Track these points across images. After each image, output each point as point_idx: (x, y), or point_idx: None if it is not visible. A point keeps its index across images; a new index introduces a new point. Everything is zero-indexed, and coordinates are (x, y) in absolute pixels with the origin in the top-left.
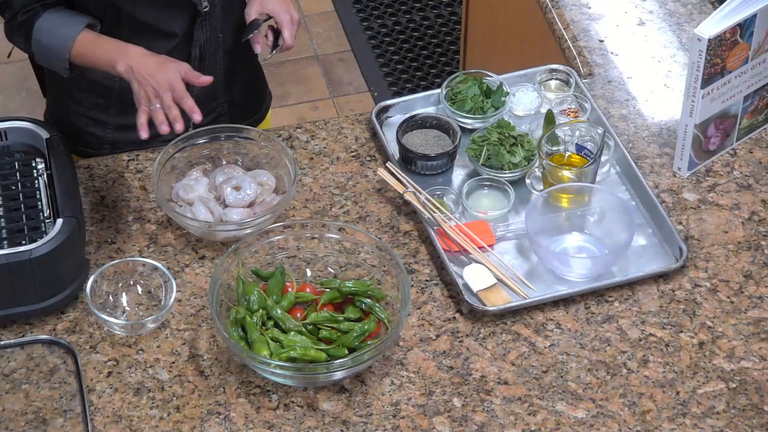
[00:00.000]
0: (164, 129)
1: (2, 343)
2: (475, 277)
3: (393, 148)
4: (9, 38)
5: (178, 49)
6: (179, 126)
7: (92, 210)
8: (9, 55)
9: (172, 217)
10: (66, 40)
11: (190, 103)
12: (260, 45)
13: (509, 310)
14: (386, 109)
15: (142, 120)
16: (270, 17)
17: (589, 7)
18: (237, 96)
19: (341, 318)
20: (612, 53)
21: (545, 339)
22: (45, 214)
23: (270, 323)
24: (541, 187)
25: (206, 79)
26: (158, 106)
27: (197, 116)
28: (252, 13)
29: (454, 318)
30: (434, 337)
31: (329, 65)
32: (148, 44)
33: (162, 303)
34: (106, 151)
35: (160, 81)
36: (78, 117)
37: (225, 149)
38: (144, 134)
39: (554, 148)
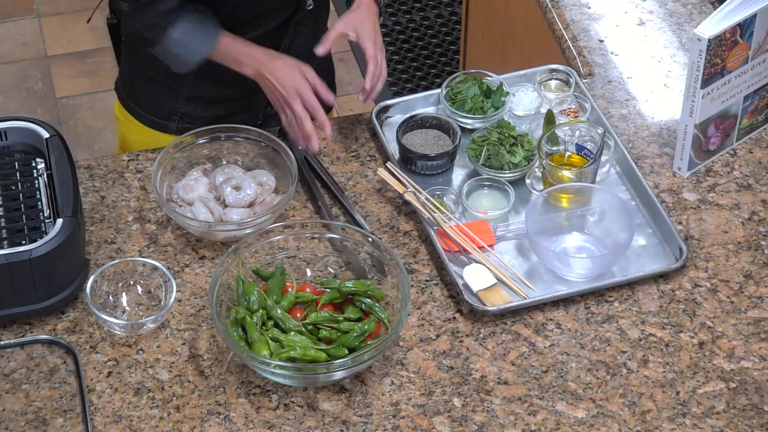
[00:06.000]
0: (301, 143)
1: (2, 343)
2: (475, 277)
3: (393, 148)
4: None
5: (266, 39)
6: (313, 144)
7: (92, 210)
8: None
9: (172, 217)
10: (200, 52)
11: (321, 116)
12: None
13: (509, 310)
14: (386, 109)
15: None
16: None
17: (589, 7)
18: None
19: (341, 318)
20: (612, 53)
21: (545, 339)
22: (45, 214)
23: (270, 323)
24: (541, 187)
25: (331, 97)
26: (292, 117)
27: (328, 130)
28: (337, 28)
29: (454, 318)
30: (434, 337)
31: None
32: (239, 30)
33: (162, 303)
34: (174, 123)
35: (287, 86)
36: (153, 85)
37: (225, 149)
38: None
39: (554, 148)
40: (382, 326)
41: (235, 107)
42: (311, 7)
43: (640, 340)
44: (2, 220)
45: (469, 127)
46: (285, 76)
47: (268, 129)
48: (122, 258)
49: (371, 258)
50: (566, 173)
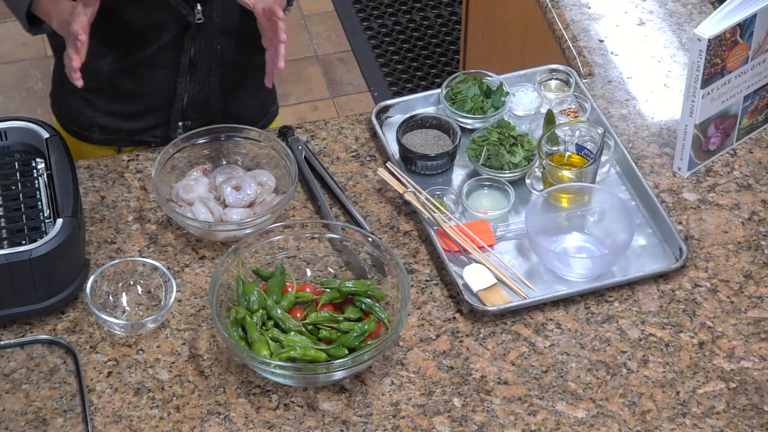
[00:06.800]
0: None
1: (2, 343)
2: (475, 277)
3: (393, 148)
4: None
5: (164, 54)
6: (75, 75)
7: (92, 210)
8: None
9: (172, 217)
10: (24, 2)
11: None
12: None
13: (509, 310)
14: (386, 109)
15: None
16: None
17: (589, 7)
18: (234, 108)
19: (341, 318)
20: (612, 53)
21: (545, 339)
22: (45, 214)
23: (270, 323)
24: (541, 187)
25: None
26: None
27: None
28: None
29: (454, 318)
30: (434, 337)
31: (329, 65)
32: (133, 46)
33: (162, 303)
34: (95, 133)
35: (62, 28)
36: (73, 96)
37: (225, 149)
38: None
39: (554, 148)
40: (382, 326)
41: (152, 121)
42: (201, 21)
43: (640, 340)
44: (2, 220)
45: (469, 127)
46: (60, 17)
47: (268, 129)
48: (122, 258)
49: (371, 258)
50: (566, 173)
